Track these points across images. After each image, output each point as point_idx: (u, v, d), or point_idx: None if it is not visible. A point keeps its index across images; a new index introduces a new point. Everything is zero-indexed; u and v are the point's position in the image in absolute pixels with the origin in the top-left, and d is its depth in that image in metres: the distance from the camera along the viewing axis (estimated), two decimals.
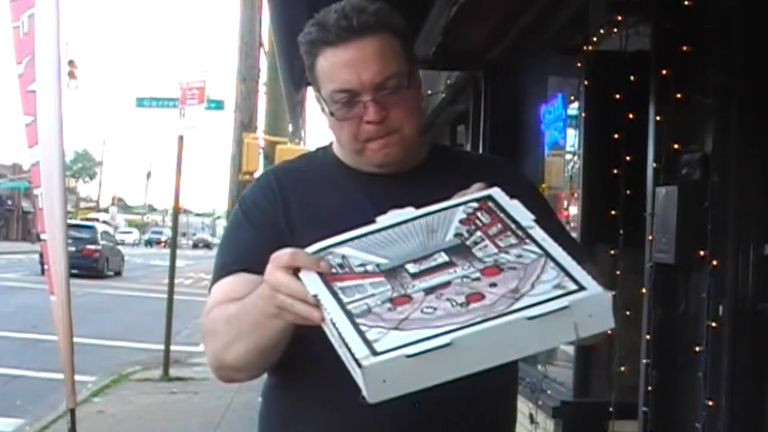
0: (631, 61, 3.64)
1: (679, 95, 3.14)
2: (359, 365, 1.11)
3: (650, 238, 3.25)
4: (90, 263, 24.10)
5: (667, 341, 3.21)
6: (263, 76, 15.27)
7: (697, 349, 2.99)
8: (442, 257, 1.24)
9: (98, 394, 8.05)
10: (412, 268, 1.23)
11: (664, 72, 3.23)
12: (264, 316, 1.31)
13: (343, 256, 1.27)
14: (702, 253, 2.98)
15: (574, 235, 3.79)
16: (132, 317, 14.83)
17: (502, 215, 1.30)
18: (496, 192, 1.35)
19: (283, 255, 1.26)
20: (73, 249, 22.73)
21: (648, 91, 3.36)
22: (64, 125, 3.93)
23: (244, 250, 1.46)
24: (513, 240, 1.26)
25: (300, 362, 1.45)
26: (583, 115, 4.36)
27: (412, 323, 1.14)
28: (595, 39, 4.19)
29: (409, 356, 1.10)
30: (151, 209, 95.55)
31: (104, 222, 43.03)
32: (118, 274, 26.71)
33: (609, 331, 1.58)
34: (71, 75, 25.71)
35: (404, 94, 1.46)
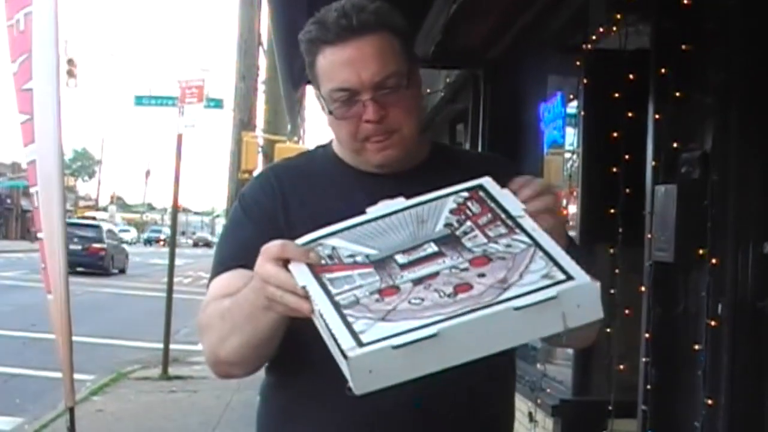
0: (630, 59, 3.64)
1: (678, 94, 3.14)
2: (345, 356, 1.11)
3: (649, 236, 3.25)
4: (96, 261, 24.94)
5: (667, 340, 3.21)
6: (262, 75, 15.27)
7: (697, 347, 2.99)
8: (432, 247, 1.24)
9: (97, 393, 8.05)
10: (401, 258, 1.23)
11: (663, 71, 3.23)
12: (256, 308, 1.32)
13: (333, 248, 1.27)
14: (701, 251, 2.98)
15: (573, 233, 3.79)
16: (131, 316, 14.83)
17: (492, 205, 1.30)
18: (488, 181, 1.35)
19: (272, 247, 1.27)
20: (79, 247, 23.53)
21: (647, 90, 3.36)
22: (63, 124, 3.93)
23: (243, 247, 1.46)
24: (503, 230, 1.25)
25: (298, 361, 1.45)
26: (582, 113, 4.36)
27: (399, 314, 1.14)
28: (594, 38, 4.19)
29: (395, 347, 1.10)
30: (150, 208, 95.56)
31: (102, 221, 43.04)
32: (122, 271, 27.19)
33: (595, 336, 1.59)
34: (70, 74, 25.74)
35: (403, 94, 1.46)
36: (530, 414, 4.43)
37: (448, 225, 1.28)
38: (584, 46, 4.26)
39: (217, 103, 14.51)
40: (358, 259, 1.24)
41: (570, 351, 4.31)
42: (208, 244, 60.51)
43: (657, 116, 3.27)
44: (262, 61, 15.25)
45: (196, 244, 64.48)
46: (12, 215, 52.45)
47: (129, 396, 8.05)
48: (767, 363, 2.95)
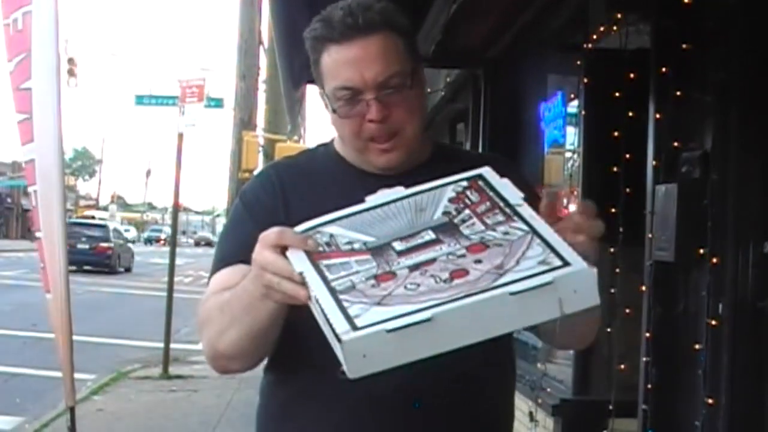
0: (630, 59, 3.64)
1: (678, 93, 3.14)
2: (339, 340, 1.11)
3: (650, 236, 3.25)
4: (103, 260, 25.81)
5: (667, 339, 3.21)
6: (263, 74, 15.27)
7: (697, 347, 2.99)
8: (429, 235, 1.25)
9: (98, 392, 8.05)
10: (398, 245, 1.24)
11: (663, 70, 3.23)
12: (254, 298, 1.32)
13: (331, 235, 1.27)
14: (702, 251, 2.98)
15: None
16: (131, 315, 14.83)
17: (491, 194, 1.30)
18: (487, 171, 1.35)
19: (270, 234, 1.27)
20: (87, 246, 24.50)
21: (648, 89, 3.36)
22: (64, 123, 3.93)
23: (243, 243, 1.46)
24: (501, 218, 1.25)
25: (297, 359, 1.46)
26: (582, 113, 4.36)
27: (394, 299, 1.14)
28: (594, 37, 4.19)
29: (389, 331, 1.10)
30: (151, 207, 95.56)
31: (102, 220, 43.06)
32: (128, 270, 27.66)
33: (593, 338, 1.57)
34: (71, 73, 25.72)
35: (407, 94, 1.47)
36: (531, 413, 4.44)
37: (446, 213, 1.28)
38: (584, 45, 4.25)
39: (218, 103, 14.49)
40: (356, 246, 1.25)
41: (570, 351, 4.31)
42: (209, 244, 60.59)
43: (657, 116, 3.27)
44: (263, 61, 15.25)
45: (197, 244, 64.64)
46: (12, 215, 52.45)
47: (129, 395, 8.05)
48: (767, 363, 2.95)
